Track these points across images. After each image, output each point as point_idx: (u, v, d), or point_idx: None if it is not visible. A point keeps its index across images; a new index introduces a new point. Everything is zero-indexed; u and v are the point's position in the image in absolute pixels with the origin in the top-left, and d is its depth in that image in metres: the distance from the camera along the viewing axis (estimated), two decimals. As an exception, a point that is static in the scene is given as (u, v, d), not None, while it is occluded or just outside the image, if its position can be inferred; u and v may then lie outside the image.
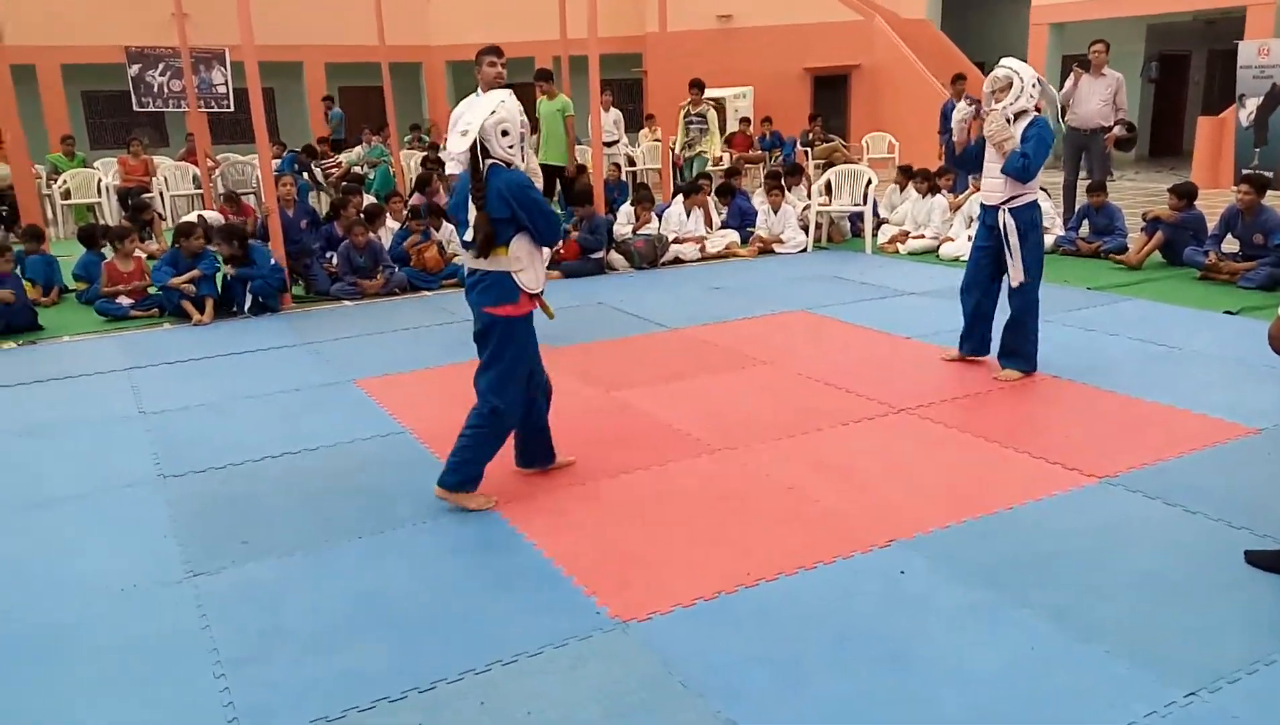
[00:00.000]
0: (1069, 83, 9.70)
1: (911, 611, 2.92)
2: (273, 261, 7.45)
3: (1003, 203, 5.04)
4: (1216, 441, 4.16)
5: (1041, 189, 9.30)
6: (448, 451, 4.29)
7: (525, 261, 3.60)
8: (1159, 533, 3.37)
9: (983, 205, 5.25)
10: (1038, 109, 5.05)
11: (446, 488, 3.71)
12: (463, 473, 3.71)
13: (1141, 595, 2.96)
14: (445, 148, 6.78)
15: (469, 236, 3.56)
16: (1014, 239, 5.02)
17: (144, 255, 8.11)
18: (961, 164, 5.57)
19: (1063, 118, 9.56)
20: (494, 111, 3.47)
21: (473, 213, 3.51)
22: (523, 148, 3.58)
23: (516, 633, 2.86)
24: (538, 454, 4.04)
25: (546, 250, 3.72)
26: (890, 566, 3.18)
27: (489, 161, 3.50)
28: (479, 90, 5.77)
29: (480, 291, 3.64)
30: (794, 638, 2.80)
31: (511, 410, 3.74)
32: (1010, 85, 4.94)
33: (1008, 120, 4.98)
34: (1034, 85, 4.96)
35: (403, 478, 4.01)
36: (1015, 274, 5.07)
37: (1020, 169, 4.91)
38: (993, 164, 5.06)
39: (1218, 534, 3.33)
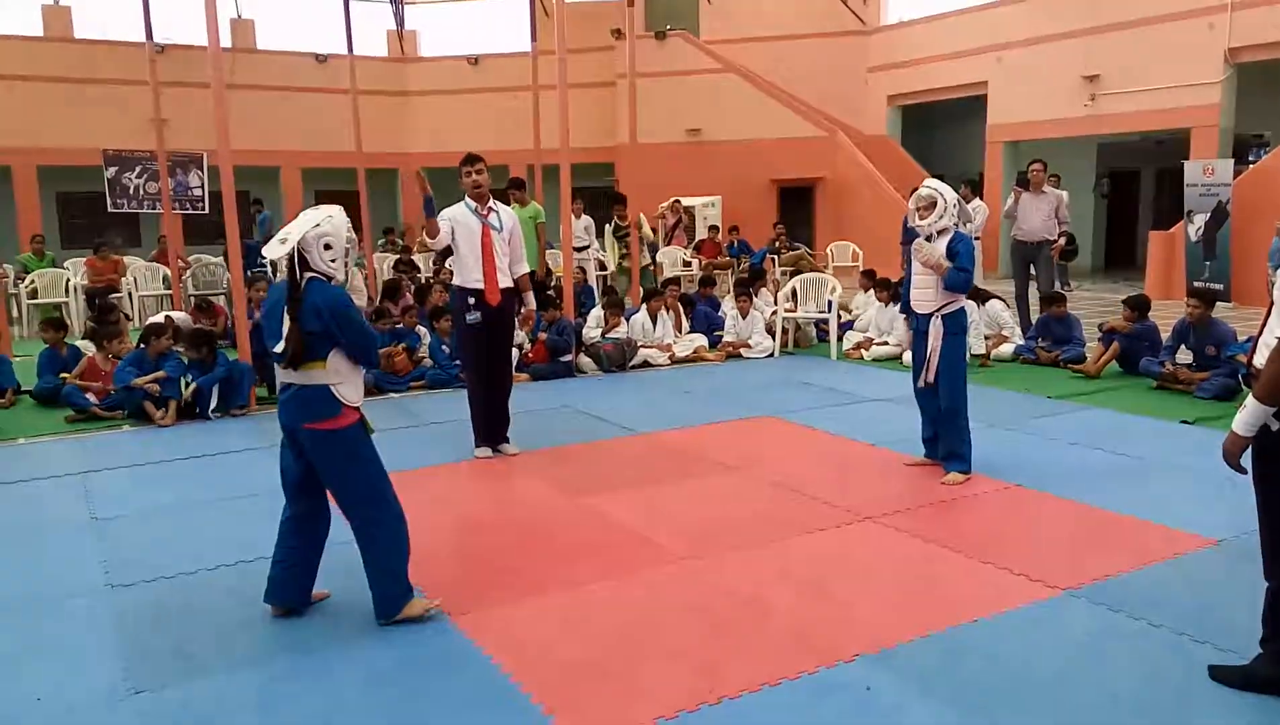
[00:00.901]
0: (1010, 201, 10.18)
1: (877, 731, 2.85)
2: (235, 359, 7.41)
3: (936, 310, 5.30)
4: (1176, 553, 4.18)
5: (999, 299, 9.63)
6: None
7: (345, 374, 3.51)
8: (1124, 648, 3.35)
9: (915, 314, 5.49)
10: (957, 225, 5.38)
11: (387, 617, 3.59)
12: (391, 594, 3.59)
13: (1111, 715, 2.92)
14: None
15: (279, 348, 3.43)
16: (936, 342, 5.29)
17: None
18: (904, 308, 5.78)
19: (1008, 232, 9.99)
20: (318, 224, 3.44)
21: (287, 324, 3.40)
22: (346, 263, 3.53)
23: (471, 754, 2.75)
24: (293, 591, 3.70)
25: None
26: (856, 683, 3.13)
27: (308, 275, 3.44)
28: (466, 197, 5.91)
29: (297, 406, 3.48)
30: (757, 759, 2.72)
31: (393, 511, 3.62)
32: (934, 204, 5.26)
33: (929, 238, 5.28)
34: (954, 205, 5.32)
35: (357, 587, 3.90)
36: (929, 373, 5.34)
37: (964, 282, 5.23)
38: (921, 276, 5.35)
39: (1182, 649, 3.31)
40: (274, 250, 3.45)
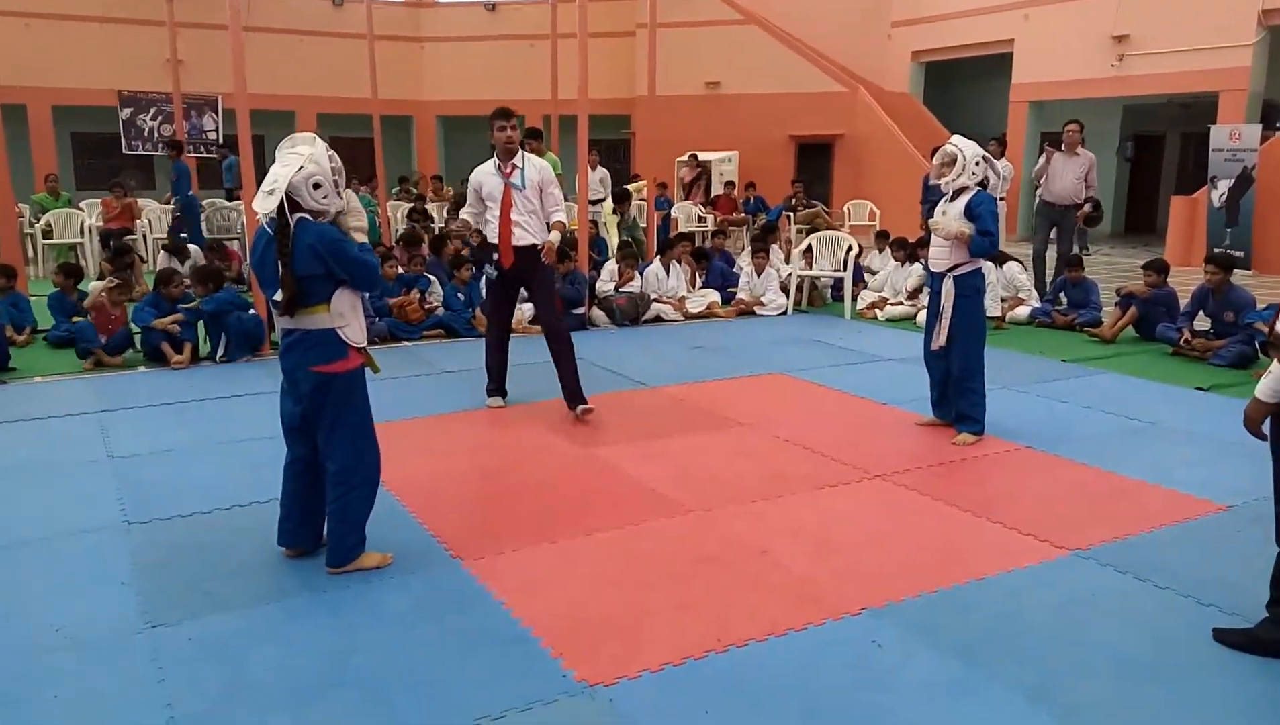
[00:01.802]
0: (1042, 160, 10.01)
1: (883, 684, 2.89)
2: (252, 312, 7.42)
3: (949, 270, 5.21)
4: (1186, 517, 4.18)
5: (1017, 261, 9.55)
6: (420, 504, 4.28)
7: (349, 315, 3.51)
8: (1130, 608, 3.37)
9: (931, 272, 5.41)
10: (981, 184, 5.21)
11: (337, 566, 3.60)
12: (348, 544, 3.61)
13: (1115, 673, 2.94)
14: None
15: (278, 297, 3.40)
16: (948, 304, 5.21)
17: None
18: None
19: (1036, 192, 9.84)
20: (301, 167, 3.35)
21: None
22: (337, 192, 3.46)
23: (482, 695, 2.80)
24: (303, 534, 3.75)
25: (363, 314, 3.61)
26: (862, 636, 3.16)
27: (297, 216, 3.38)
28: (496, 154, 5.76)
29: (302, 352, 3.48)
30: (763, 708, 2.76)
31: (373, 463, 3.65)
32: (954, 161, 5.16)
33: (950, 197, 5.18)
34: (976, 163, 5.16)
35: (372, 531, 3.95)
36: (939, 337, 5.26)
37: (990, 246, 5.11)
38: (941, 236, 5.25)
39: (1187, 611, 3.33)
40: (263, 203, 3.35)
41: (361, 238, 3.60)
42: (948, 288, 5.21)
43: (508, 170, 5.73)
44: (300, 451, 3.68)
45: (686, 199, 16.13)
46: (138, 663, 2.99)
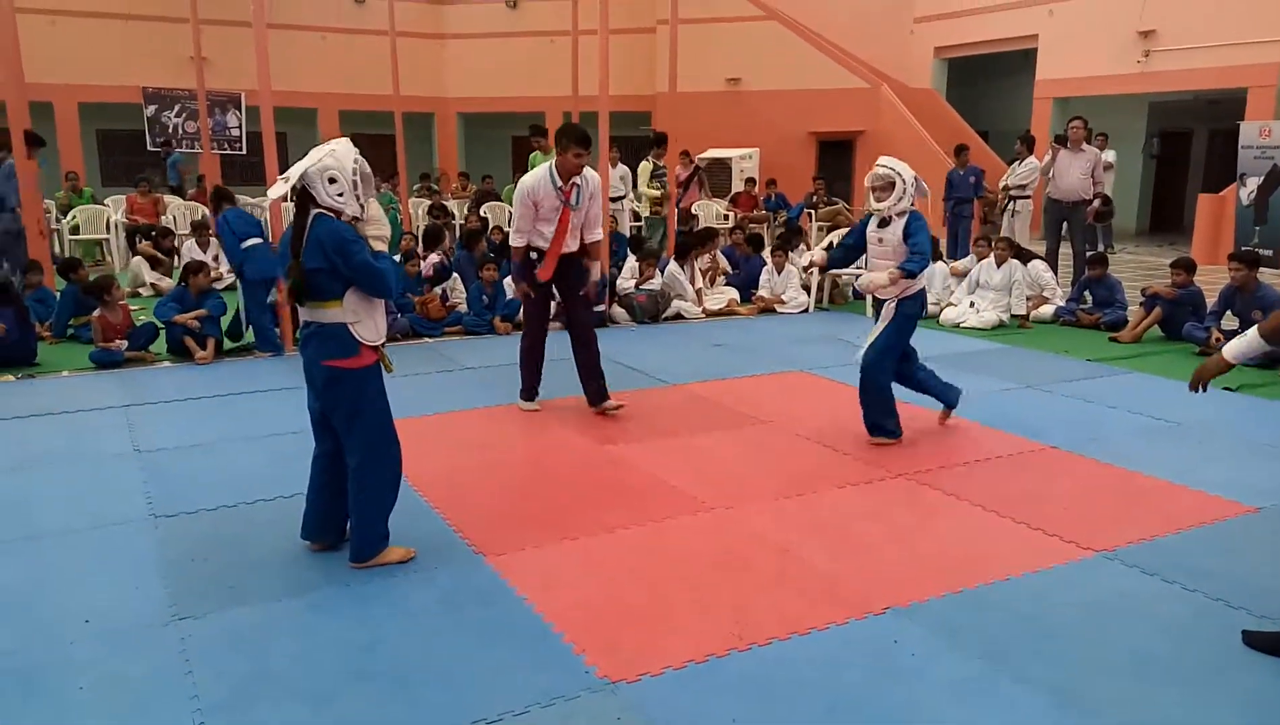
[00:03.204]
0: (1048, 157, 10.04)
1: (905, 682, 2.87)
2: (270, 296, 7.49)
3: (899, 296, 5.06)
4: (1215, 518, 4.13)
5: (1043, 259, 9.47)
6: (443, 499, 4.30)
7: (361, 313, 3.51)
8: (1157, 610, 3.33)
9: (875, 298, 5.28)
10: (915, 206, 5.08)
11: (359, 561, 3.61)
12: (371, 539, 3.62)
13: (1140, 675, 2.92)
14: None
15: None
16: (884, 323, 5.09)
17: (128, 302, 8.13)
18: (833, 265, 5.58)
19: (1044, 189, 9.83)
20: (320, 159, 3.40)
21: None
22: (359, 196, 3.48)
23: (504, 689, 2.81)
24: (329, 527, 3.77)
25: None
26: (884, 634, 3.14)
27: (315, 210, 3.42)
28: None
29: (317, 344, 3.51)
30: (784, 705, 2.75)
31: (393, 460, 3.65)
32: (892, 185, 4.95)
33: (886, 222, 5.03)
34: (914, 183, 5.00)
35: (395, 525, 3.97)
36: (865, 343, 5.14)
37: (923, 263, 4.97)
38: (879, 261, 5.10)
39: (1215, 614, 3.29)
40: (276, 188, 3.46)
41: (381, 247, 3.59)
42: (888, 309, 5.10)
43: (568, 190, 5.52)
44: (326, 445, 3.71)
45: (679, 204, 15.82)
46: (164, 654, 3.02)
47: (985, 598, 3.40)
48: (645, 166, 12.22)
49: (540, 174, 5.57)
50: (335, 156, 3.44)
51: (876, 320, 5.25)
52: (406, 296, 8.38)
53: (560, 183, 5.49)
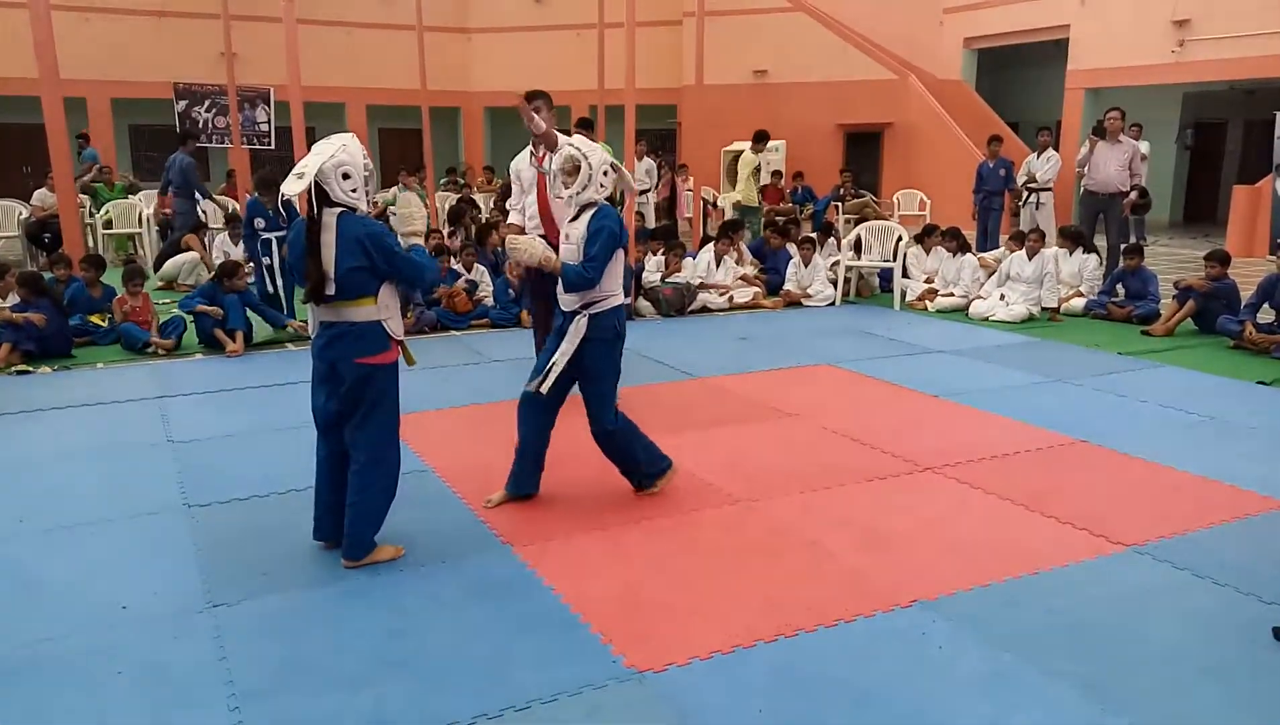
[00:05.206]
0: (1085, 149, 9.91)
1: (934, 675, 2.87)
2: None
3: (582, 307, 3.99)
4: (1246, 513, 4.08)
5: (1092, 250, 9.37)
6: (471, 491, 4.33)
7: (392, 309, 3.54)
8: (1187, 605, 3.31)
9: (560, 310, 4.12)
10: (611, 198, 4.21)
11: (354, 559, 3.60)
12: (366, 537, 3.61)
13: (1171, 669, 2.90)
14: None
15: (329, 290, 3.41)
16: (568, 345, 3.98)
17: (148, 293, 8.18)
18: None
19: (1079, 181, 9.71)
20: (333, 155, 3.37)
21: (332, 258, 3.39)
22: (368, 191, 3.48)
23: (532, 679, 2.84)
24: (340, 527, 3.70)
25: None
26: (913, 627, 3.14)
27: (338, 208, 3.40)
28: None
29: (349, 343, 3.47)
30: (812, 697, 2.76)
31: (395, 461, 3.66)
32: (578, 169, 4.00)
33: (575, 217, 4.05)
34: (604, 172, 4.02)
35: (425, 516, 4.02)
36: (545, 381, 3.99)
37: (588, 281, 3.91)
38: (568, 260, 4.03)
39: (1246, 608, 3.26)
40: (291, 186, 3.37)
41: (416, 241, 3.61)
42: (578, 327, 3.98)
43: (540, 156, 5.71)
44: (333, 447, 3.68)
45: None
46: (200, 641, 3.07)
47: (1014, 591, 3.39)
48: (749, 159, 12.49)
49: (524, 150, 5.85)
50: (348, 151, 3.43)
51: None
52: (434, 291, 8.44)
53: (533, 149, 5.75)
